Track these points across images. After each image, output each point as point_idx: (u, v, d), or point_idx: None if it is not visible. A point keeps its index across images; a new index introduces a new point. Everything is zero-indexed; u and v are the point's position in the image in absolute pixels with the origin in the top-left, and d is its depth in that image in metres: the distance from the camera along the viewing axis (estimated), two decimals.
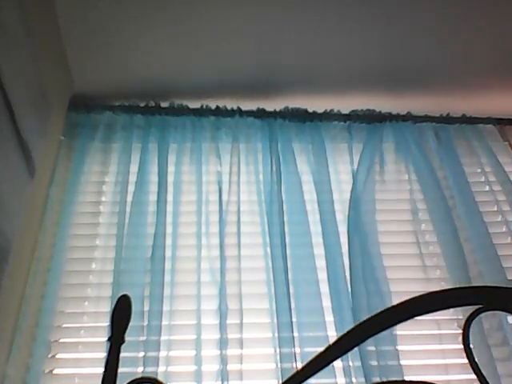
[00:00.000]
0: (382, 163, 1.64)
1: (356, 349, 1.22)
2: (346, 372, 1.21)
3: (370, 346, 1.25)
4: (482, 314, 0.68)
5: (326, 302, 1.33)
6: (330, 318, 1.30)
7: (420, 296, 0.64)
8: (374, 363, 1.23)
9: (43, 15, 1.37)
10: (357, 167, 1.60)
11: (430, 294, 0.64)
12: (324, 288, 1.35)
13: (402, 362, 1.24)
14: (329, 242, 1.43)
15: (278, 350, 1.25)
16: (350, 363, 1.23)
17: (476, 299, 0.64)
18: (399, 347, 1.26)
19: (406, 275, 1.46)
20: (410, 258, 1.49)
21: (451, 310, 1.31)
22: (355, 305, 1.30)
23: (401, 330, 1.27)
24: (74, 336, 1.33)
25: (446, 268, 1.46)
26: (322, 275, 1.37)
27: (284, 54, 1.61)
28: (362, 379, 1.20)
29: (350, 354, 1.22)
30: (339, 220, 1.48)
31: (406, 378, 1.21)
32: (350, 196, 1.52)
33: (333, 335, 1.27)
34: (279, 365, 1.23)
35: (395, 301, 0.62)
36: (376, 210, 1.52)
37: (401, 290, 1.35)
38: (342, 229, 1.47)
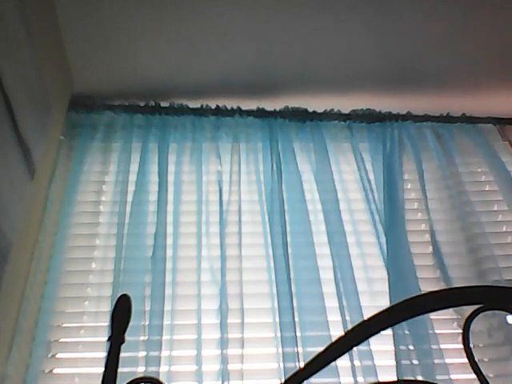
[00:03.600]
0: (383, 163, 1.63)
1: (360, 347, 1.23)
2: (353, 371, 1.21)
3: (374, 345, 1.25)
4: (482, 314, 0.68)
5: (328, 302, 1.33)
6: (332, 317, 1.30)
7: (420, 295, 0.64)
8: (379, 363, 1.23)
9: (43, 15, 1.37)
10: (364, 167, 1.60)
11: (429, 293, 0.64)
12: (326, 288, 1.35)
13: (403, 362, 1.24)
14: (335, 241, 1.43)
15: (280, 350, 1.25)
16: (356, 362, 1.23)
17: (476, 299, 0.64)
18: (401, 347, 1.26)
19: None
20: None
21: (451, 309, 1.31)
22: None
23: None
24: (73, 336, 1.33)
25: (447, 268, 1.46)
26: (324, 275, 1.37)
27: (284, 54, 1.60)
28: (368, 379, 1.20)
29: (354, 353, 1.22)
30: (345, 220, 1.48)
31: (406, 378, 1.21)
32: (384, 197, 1.53)
33: (335, 335, 1.26)
34: (281, 364, 1.23)
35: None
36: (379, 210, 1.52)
37: None
38: (348, 228, 1.47)
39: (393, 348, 1.25)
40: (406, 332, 1.27)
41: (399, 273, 1.37)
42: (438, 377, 1.23)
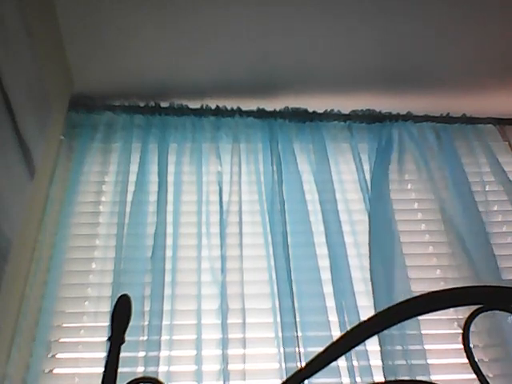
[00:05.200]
0: (382, 162, 1.64)
1: (358, 348, 1.22)
2: (349, 371, 1.21)
3: (371, 345, 1.25)
4: (482, 314, 0.68)
5: (329, 302, 1.33)
6: (332, 317, 1.30)
7: (420, 296, 0.64)
8: (376, 363, 1.23)
9: (43, 15, 1.37)
10: (363, 167, 1.60)
11: (430, 293, 0.64)
12: (327, 288, 1.35)
13: (403, 362, 1.24)
14: (332, 241, 1.44)
15: (281, 350, 1.25)
16: (353, 363, 1.23)
17: (476, 299, 0.64)
18: (400, 347, 1.26)
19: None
20: (409, 258, 1.49)
21: (451, 309, 1.31)
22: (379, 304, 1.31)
23: (402, 329, 1.27)
24: (73, 336, 1.33)
25: (445, 268, 1.46)
26: (325, 275, 1.37)
27: (284, 54, 1.60)
28: (364, 379, 1.20)
29: (352, 353, 1.22)
30: (343, 220, 1.49)
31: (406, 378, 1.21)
32: (369, 197, 1.53)
33: (336, 335, 1.27)
34: (283, 364, 1.23)
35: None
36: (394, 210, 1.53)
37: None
38: (346, 228, 1.48)
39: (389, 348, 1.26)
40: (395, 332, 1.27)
41: (386, 272, 1.37)
42: (436, 376, 1.23)
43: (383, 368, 1.24)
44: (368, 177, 1.59)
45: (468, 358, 0.67)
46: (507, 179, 1.61)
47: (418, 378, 1.20)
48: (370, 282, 1.38)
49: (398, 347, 1.26)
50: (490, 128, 1.79)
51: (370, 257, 1.41)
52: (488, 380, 0.66)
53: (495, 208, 1.61)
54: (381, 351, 1.25)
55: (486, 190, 1.65)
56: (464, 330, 0.69)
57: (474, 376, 0.67)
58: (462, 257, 1.47)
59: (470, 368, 0.67)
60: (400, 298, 1.24)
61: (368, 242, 1.44)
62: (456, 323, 1.37)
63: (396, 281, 1.36)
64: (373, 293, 1.34)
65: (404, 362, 1.24)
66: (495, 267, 1.42)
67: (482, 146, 1.72)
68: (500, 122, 1.80)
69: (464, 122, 1.77)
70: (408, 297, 0.64)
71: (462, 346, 0.68)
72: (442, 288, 0.64)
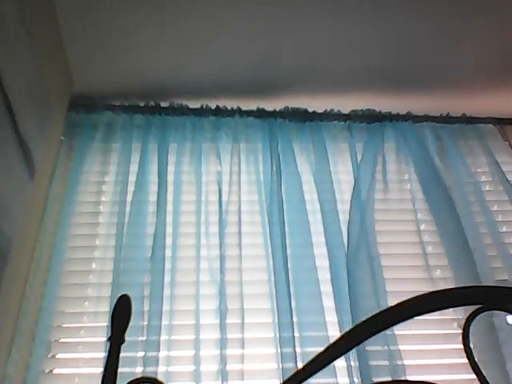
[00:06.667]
0: (383, 163, 1.64)
1: (357, 348, 1.23)
2: (348, 372, 1.22)
3: (370, 345, 1.25)
4: (482, 314, 0.68)
5: (327, 302, 1.33)
6: (330, 318, 1.31)
7: (420, 296, 0.64)
8: (375, 363, 1.23)
9: (43, 15, 1.37)
10: (358, 167, 1.60)
11: (430, 293, 0.64)
12: (325, 288, 1.35)
13: (403, 362, 1.24)
14: (331, 241, 1.44)
15: (279, 350, 1.25)
16: (352, 363, 1.23)
17: (476, 299, 0.64)
18: (400, 347, 1.26)
19: (406, 275, 1.46)
20: (410, 258, 1.49)
21: (451, 309, 1.31)
22: (355, 305, 1.31)
23: (402, 329, 1.27)
24: (73, 336, 1.33)
25: (449, 268, 1.46)
26: (323, 275, 1.37)
27: (284, 54, 1.60)
28: (363, 379, 1.21)
29: (350, 353, 1.23)
30: (341, 220, 1.48)
31: (407, 378, 1.21)
32: (352, 196, 1.52)
33: (334, 335, 1.27)
34: (280, 365, 1.23)
35: (395, 301, 0.62)
36: (375, 210, 1.52)
37: (401, 290, 1.36)
38: (345, 229, 1.47)
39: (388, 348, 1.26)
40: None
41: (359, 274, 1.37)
42: (437, 377, 1.23)
43: (382, 368, 1.24)
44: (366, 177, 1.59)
45: (468, 358, 0.67)
46: (507, 179, 1.61)
47: (417, 378, 1.20)
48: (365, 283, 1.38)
49: (394, 347, 1.26)
50: (490, 128, 1.79)
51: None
52: (488, 380, 0.66)
53: (495, 208, 1.61)
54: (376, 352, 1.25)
55: (486, 189, 1.65)
56: (464, 330, 0.69)
57: (474, 376, 0.67)
58: (461, 257, 1.47)
59: (470, 368, 0.67)
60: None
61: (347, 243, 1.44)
62: (456, 323, 1.37)
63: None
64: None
65: (400, 363, 1.24)
66: (494, 267, 1.42)
67: (481, 145, 1.72)
68: (500, 122, 1.80)
69: (464, 122, 1.77)
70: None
71: (462, 346, 0.68)
72: (442, 288, 0.64)
